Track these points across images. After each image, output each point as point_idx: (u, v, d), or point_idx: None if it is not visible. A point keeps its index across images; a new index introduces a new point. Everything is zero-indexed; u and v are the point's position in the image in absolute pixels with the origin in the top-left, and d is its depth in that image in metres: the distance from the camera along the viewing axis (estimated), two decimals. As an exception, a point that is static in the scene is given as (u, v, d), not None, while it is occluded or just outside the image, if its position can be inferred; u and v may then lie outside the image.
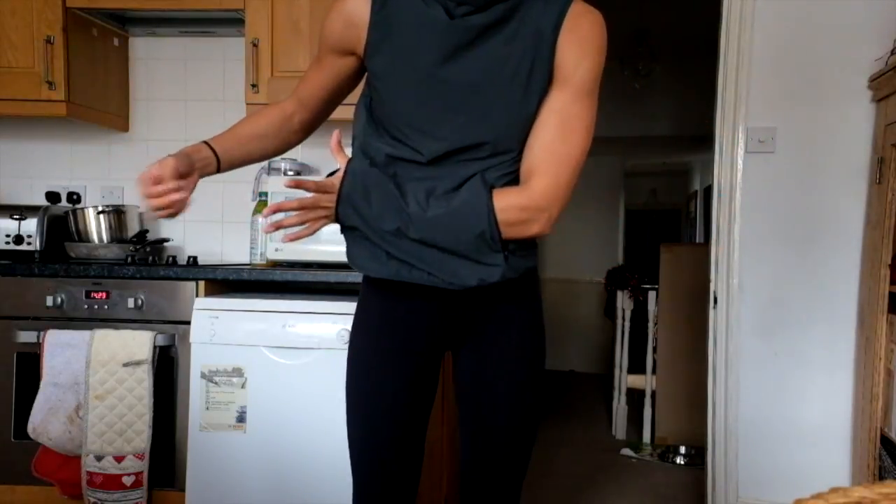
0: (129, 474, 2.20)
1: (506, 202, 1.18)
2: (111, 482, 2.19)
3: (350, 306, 2.12)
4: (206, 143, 1.35)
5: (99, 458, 2.19)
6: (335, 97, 1.40)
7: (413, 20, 1.20)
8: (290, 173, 2.65)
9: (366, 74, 1.31)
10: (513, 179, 1.24)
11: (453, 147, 1.21)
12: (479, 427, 1.38)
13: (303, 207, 1.17)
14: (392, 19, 1.22)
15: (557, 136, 1.20)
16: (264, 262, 2.55)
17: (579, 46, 1.19)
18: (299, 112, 1.40)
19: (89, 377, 2.18)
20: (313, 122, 1.44)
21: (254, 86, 2.46)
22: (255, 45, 2.45)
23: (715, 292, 2.60)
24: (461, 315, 1.33)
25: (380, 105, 1.26)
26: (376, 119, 1.27)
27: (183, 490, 2.19)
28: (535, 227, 1.20)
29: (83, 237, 2.66)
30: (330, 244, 2.39)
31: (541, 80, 1.20)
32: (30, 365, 2.27)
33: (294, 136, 1.43)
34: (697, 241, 7.61)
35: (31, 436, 2.20)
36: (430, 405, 1.41)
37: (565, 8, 1.19)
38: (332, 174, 1.22)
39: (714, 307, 2.61)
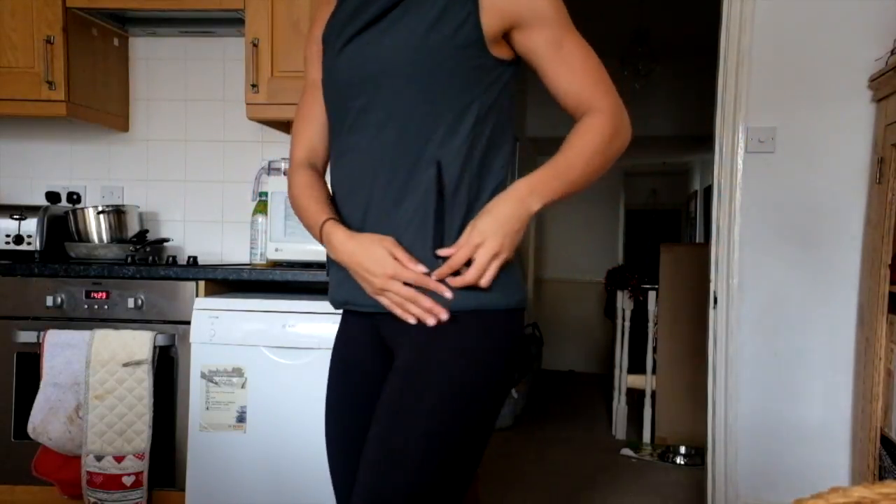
0: (129, 474, 2.20)
1: (594, 131, 1.16)
2: (111, 482, 2.19)
3: (350, 306, 2.12)
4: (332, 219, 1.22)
5: (99, 458, 2.19)
6: None
7: None
8: (290, 173, 2.65)
9: None
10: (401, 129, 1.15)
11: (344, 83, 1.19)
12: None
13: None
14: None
15: (574, 60, 1.18)
16: (264, 262, 2.55)
17: None
18: (320, 156, 1.34)
19: (89, 377, 2.18)
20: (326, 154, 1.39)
21: (254, 86, 2.46)
22: (255, 45, 2.45)
23: (715, 292, 2.60)
24: (391, 329, 1.20)
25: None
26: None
27: (183, 490, 2.19)
28: (623, 134, 1.19)
29: (83, 237, 2.65)
30: (330, 244, 2.39)
31: (443, 23, 1.12)
32: (30, 365, 2.27)
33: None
34: (697, 241, 7.61)
35: (31, 436, 2.20)
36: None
37: None
38: None
39: (714, 307, 2.61)
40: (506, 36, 1.16)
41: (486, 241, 1.10)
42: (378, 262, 1.11)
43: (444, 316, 1.10)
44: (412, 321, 1.12)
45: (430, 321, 1.11)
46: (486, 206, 1.14)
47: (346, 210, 1.21)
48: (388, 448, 1.11)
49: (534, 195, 1.13)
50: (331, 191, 1.27)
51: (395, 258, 1.11)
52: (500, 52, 1.16)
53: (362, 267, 1.13)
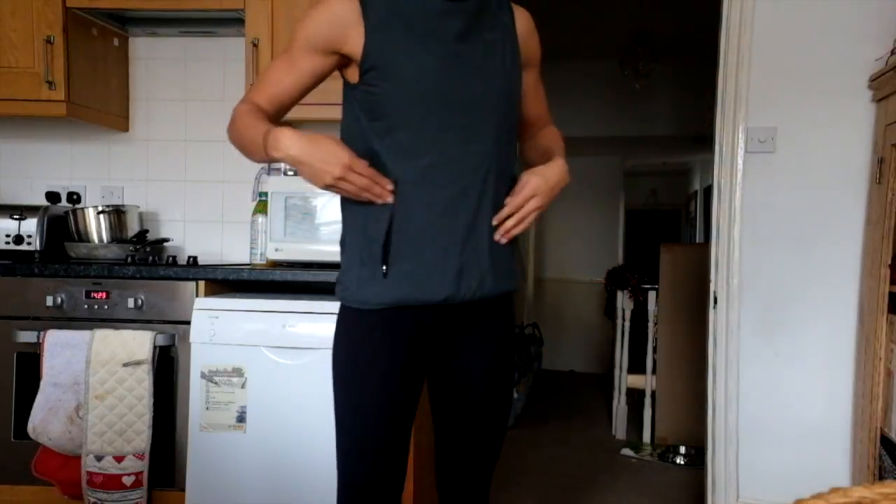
0: (129, 474, 2.20)
1: (558, 142, 1.53)
2: (111, 482, 2.19)
3: (350, 306, 2.12)
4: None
5: (99, 458, 2.19)
6: (302, 97, 1.44)
7: (415, 11, 1.32)
8: (290, 173, 2.65)
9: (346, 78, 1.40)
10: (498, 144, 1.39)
11: (464, 124, 1.34)
12: (466, 408, 1.46)
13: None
14: (392, 17, 1.32)
15: (542, 95, 1.58)
16: (264, 262, 2.55)
17: (533, 39, 1.49)
18: (273, 113, 1.42)
19: (89, 377, 2.18)
20: (276, 122, 1.44)
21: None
22: (255, 45, 2.45)
23: (715, 292, 2.60)
24: (455, 318, 1.41)
25: (385, 99, 1.33)
26: (377, 118, 1.34)
27: (183, 490, 2.19)
28: None
29: (83, 237, 2.65)
30: (329, 244, 2.39)
31: (513, 62, 1.42)
32: (30, 365, 2.27)
33: None
34: (697, 241, 7.61)
35: (31, 436, 2.20)
36: (414, 411, 1.44)
37: (510, 7, 1.45)
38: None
39: (714, 307, 2.61)
40: None
41: (536, 197, 1.36)
42: (335, 153, 1.24)
43: (390, 187, 1.31)
44: (377, 199, 1.31)
45: (386, 198, 1.30)
46: (536, 168, 1.39)
47: (448, 200, 1.34)
48: (499, 407, 1.49)
49: (567, 170, 1.41)
50: (397, 183, 1.32)
51: (344, 160, 1.24)
52: None
53: (319, 158, 1.24)
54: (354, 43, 1.31)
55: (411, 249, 1.33)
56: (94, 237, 2.66)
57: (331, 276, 2.25)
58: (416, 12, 1.31)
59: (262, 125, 1.32)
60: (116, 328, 2.24)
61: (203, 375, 2.14)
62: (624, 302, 4.22)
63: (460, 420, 1.47)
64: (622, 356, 4.20)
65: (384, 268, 1.33)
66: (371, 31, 1.31)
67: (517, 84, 1.42)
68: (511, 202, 1.36)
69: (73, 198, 2.77)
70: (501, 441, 1.53)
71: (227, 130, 1.40)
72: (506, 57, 1.39)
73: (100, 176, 2.94)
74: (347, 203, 1.39)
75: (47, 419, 2.19)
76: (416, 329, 1.38)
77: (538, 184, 1.36)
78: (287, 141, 1.25)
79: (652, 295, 4.06)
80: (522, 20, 1.45)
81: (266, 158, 1.32)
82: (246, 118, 1.36)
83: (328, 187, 1.27)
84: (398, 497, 1.44)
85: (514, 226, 1.36)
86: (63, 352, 2.20)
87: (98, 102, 2.72)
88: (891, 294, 2.22)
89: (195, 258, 2.64)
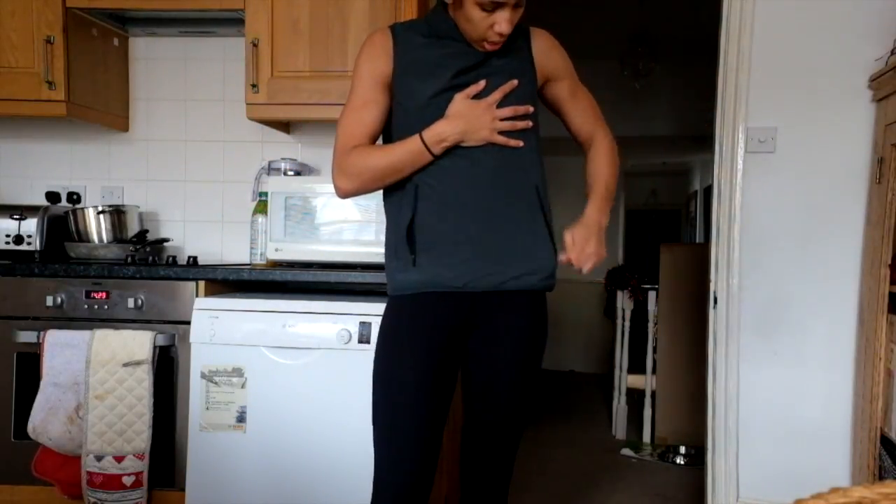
0: (129, 474, 2.20)
1: (608, 158, 1.65)
2: (111, 482, 2.19)
3: (350, 306, 2.12)
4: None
5: (99, 458, 2.19)
6: (382, 127, 1.60)
7: (428, 49, 1.54)
8: (290, 173, 2.65)
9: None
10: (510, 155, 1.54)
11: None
12: (487, 394, 1.59)
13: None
14: (409, 51, 1.54)
15: (584, 103, 1.68)
16: (264, 262, 2.55)
17: (554, 53, 1.62)
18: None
19: (89, 377, 2.18)
20: None
21: (254, 86, 2.46)
22: (255, 45, 2.45)
23: (715, 292, 2.60)
24: (476, 307, 1.55)
25: (403, 119, 1.54)
26: (401, 133, 1.54)
27: (183, 490, 2.19)
28: (616, 148, 1.70)
29: (83, 237, 2.65)
30: (329, 244, 2.39)
31: (528, 82, 1.57)
32: (30, 365, 2.27)
33: None
34: (697, 241, 7.60)
35: (31, 436, 2.20)
36: (450, 400, 1.58)
37: (528, 32, 1.61)
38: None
39: (714, 307, 2.61)
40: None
41: (586, 252, 1.56)
42: (473, 109, 1.48)
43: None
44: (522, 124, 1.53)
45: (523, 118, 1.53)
46: (573, 226, 1.56)
47: (464, 201, 1.52)
48: (520, 387, 1.60)
49: (604, 218, 1.62)
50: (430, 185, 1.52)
51: (484, 105, 1.49)
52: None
53: (471, 121, 1.47)
54: (391, 70, 1.54)
55: (429, 242, 1.51)
56: (94, 237, 2.66)
57: (331, 276, 2.25)
58: (428, 50, 1.53)
59: (396, 146, 1.51)
60: (116, 328, 2.24)
61: (203, 375, 2.14)
62: (624, 302, 4.22)
63: (481, 406, 1.60)
64: (622, 356, 4.20)
65: (412, 257, 1.50)
66: (397, 63, 1.54)
67: (522, 99, 1.53)
68: (577, 257, 1.55)
69: (73, 198, 2.77)
70: (520, 430, 1.65)
71: (348, 179, 1.53)
72: (511, 76, 1.52)
73: (100, 176, 2.94)
74: (385, 199, 1.59)
75: (47, 419, 2.19)
76: (444, 313, 1.53)
77: (580, 241, 1.56)
78: (443, 128, 1.48)
79: (652, 295, 4.06)
80: (539, 40, 1.60)
81: (423, 161, 1.49)
82: (372, 152, 1.53)
83: (496, 133, 1.49)
84: (431, 473, 1.57)
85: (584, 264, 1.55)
86: (63, 352, 2.20)
87: (98, 102, 2.72)
88: (891, 294, 2.22)
89: (195, 258, 2.64)
